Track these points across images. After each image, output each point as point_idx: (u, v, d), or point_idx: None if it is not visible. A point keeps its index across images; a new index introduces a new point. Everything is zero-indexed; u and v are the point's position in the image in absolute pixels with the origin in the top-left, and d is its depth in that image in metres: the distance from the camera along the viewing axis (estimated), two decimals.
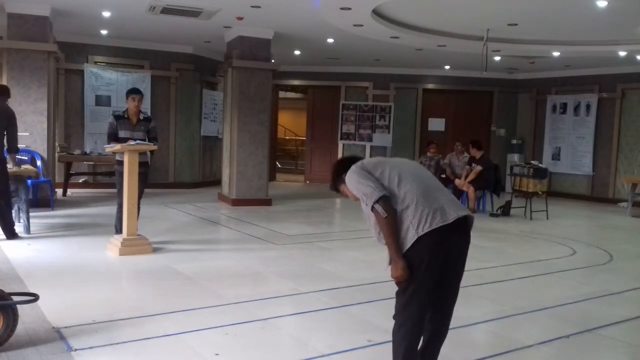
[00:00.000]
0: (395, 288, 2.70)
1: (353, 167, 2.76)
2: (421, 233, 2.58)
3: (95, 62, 11.28)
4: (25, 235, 6.42)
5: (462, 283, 5.28)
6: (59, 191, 9.87)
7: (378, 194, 2.61)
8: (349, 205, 11.27)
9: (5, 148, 6.17)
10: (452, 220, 2.60)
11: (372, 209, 2.60)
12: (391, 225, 2.59)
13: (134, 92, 6.27)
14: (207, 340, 3.51)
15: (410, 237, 2.59)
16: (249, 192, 9.83)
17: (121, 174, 5.90)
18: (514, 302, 4.62)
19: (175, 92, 11.82)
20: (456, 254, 2.75)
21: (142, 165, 5.96)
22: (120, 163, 5.97)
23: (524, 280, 5.39)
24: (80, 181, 11.00)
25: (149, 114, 11.10)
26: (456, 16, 8.62)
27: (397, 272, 2.58)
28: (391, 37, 9.70)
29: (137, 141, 5.91)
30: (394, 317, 2.71)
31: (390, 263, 2.63)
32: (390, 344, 3.36)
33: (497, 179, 10.13)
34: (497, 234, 8.08)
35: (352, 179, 2.73)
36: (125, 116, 6.19)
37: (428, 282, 2.64)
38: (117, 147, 5.80)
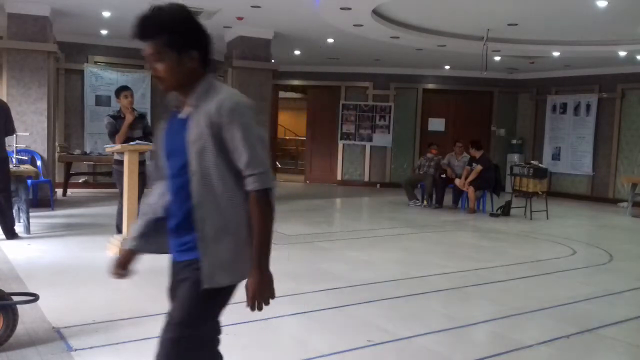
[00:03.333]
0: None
1: (247, 103, 1.93)
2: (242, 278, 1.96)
3: (95, 62, 11.28)
4: (25, 235, 6.42)
5: (462, 283, 5.30)
6: (59, 191, 9.87)
7: (271, 177, 1.91)
8: (349, 205, 11.28)
9: None
10: None
11: (258, 192, 1.88)
12: (272, 225, 1.95)
13: (125, 89, 6.26)
14: None
15: (248, 255, 1.94)
16: None
17: (120, 173, 5.90)
18: (514, 302, 4.62)
19: None
20: None
21: (141, 164, 5.95)
22: (119, 162, 5.97)
23: (523, 280, 5.39)
24: (80, 181, 11.00)
25: (149, 113, 11.11)
26: (456, 16, 8.62)
27: (267, 291, 1.93)
28: (391, 37, 9.70)
29: (137, 141, 5.91)
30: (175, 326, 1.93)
31: (255, 278, 1.91)
32: (390, 345, 3.36)
33: (497, 179, 10.13)
34: (497, 234, 8.08)
35: (246, 123, 1.87)
36: (122, 116, 6.17)
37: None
38: (117, 147, 5.79)
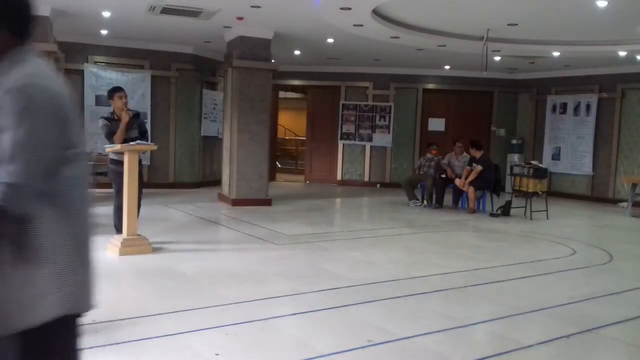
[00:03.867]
0: None
1: (47, 90, 1.53)
2: (67, 310, 1.58)
3: (95, 62, 11.27)
4: None
5: (462, 283, 5.30)
6: None
7: (25, 200, 1.42)
8: (349, 205, 11.27)
9: None
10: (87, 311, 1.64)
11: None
12: None
13: (119, 89, 6.24)
14: (207, 340, 3.51)
15: (47, 299, 1.50)
16: (249, 192, 9.83)
17: (116, 172, 5.90)
18: (514, 302, 4.62)
19: (175, 92, 11.81)
20: None
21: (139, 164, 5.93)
22: (115, 162, 5.97)
23: (524, 280, 5.39)
24: None
25: (149, 114, 11.12)
26: (456, 16, 8.62)
27: None
28: (391, 37, 9.70)
29: (138, 141, 5.91)
30: None
31: None
32: (391, 344, 3.36)
33: (497, 179, 10.13)
34: (497, 234, 8.08)
35: (26, 113, 1.43)
36: (115, 117, 6.14)
37: None
38: (117, 147, 5.79)
